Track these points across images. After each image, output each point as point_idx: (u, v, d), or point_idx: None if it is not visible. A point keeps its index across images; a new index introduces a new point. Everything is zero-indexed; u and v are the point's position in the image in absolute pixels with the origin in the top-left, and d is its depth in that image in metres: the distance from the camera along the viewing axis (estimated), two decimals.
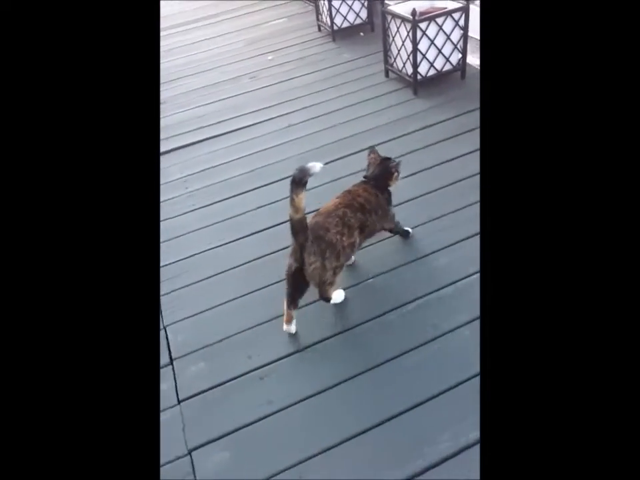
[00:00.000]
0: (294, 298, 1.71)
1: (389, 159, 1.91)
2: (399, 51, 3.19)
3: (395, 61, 3.30)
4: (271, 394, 1.63)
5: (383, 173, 1.87)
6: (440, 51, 3.10)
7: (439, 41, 3.05)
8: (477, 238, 2.05)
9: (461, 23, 3.04)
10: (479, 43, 3.40)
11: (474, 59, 3.48)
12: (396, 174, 1.88)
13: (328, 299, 1.79)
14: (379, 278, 1.97)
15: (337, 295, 1.82)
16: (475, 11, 3.25)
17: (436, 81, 3.23)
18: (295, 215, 1.53)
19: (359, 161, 2.32)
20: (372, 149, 1.95)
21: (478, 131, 2.70)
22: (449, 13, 2.97)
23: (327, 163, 2.63)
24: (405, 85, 3.28)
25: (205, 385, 1.69)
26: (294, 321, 1.77)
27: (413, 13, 2.86)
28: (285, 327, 1.78)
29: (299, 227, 1.56)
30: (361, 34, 4.22)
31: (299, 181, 1.48)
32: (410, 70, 3.12)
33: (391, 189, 1.92)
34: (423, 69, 3.13)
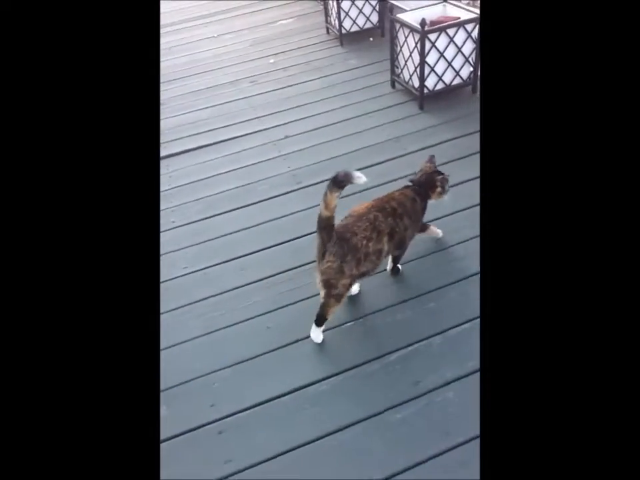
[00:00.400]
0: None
1: (440, 172, 1.88)
2: (406, 61, 2.99)
3: (401, 72, 3.10)
4: (231, 452, 1.47)
5: (427, 182, 1.84)
6: (450, 64, 2.89)
7: (450, 53, 2.85)
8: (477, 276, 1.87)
9: (474, 34, 2.83)
10: None
11: None
12: (439, 189, 1.84)
13: (322, 320, 1.69)
14: (366, 319, 1.80)
15: (316, 334, 1.73)
16: None
17: (444, 95, 3.02)
18: (324, 211, 1.52)
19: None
20: (431, 157, 1.93)
21: None
22: (461, 24, 2.76)
23: (316, 184, 2.46)
24: (411, 97, 3.08)
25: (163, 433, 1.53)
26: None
27: (422, 23, 2.66)
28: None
29: (324, 224, 1.56)
30: (371, 39, 4.02)
31: (339, 183, 1.46)
32: (417, 83, 2.92)
33: (432, 202, 1.88)
34: (430, 82, 2.93)
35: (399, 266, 1.94)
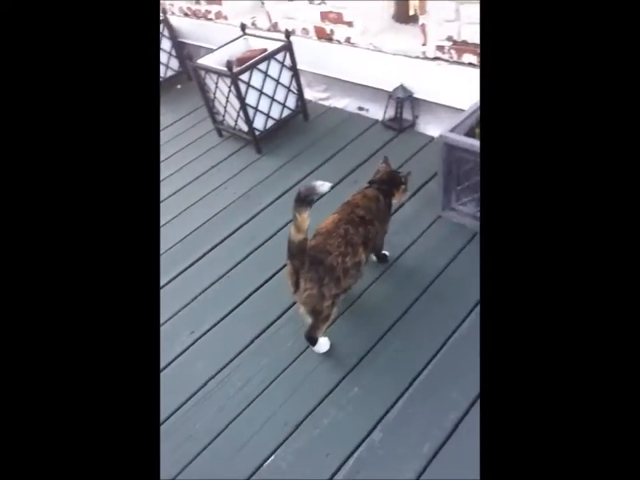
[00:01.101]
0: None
1: (398, 172, 1.81)
2: (225, 107, 2.66)
3: (224, 118, 2.77)
4: None
5: (390, 180, 1.75)
6: (273, 99, 2.64)
7: (269, 88, 2.59)
8: None
9: (287, 62, 2.62)
10: (311, 74, 3.02)
11: (314, 93, 3.10)
12: (403, 187, 1.77)
13: (314, 340, 1.62)
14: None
15: (323, 344, 1.65)
16: (299, 42, 2.86)
17: (279, 131, 2.77)
18: (296, 235, 1.40)
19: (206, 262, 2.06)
20: (385, 158, 1.83)
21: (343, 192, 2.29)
22: (270, 56, 2.52)
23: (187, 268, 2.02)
24: (245, 142, 2.77)
25: None
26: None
27: (229, 65, 2.35)
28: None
29: (296, 250, 1.44)
30: (178, 86, 3.63)
31: (304, 199, 1.34)
32: (245, 127, 2.62)
33: (395, 202, 1.77)
34: (259, 122, 2.65)
35: (385, 252, 1.91)
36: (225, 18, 3.43)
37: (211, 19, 3.58)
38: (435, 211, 2.05)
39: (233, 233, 2.24)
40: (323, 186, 1.36)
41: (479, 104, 1.85)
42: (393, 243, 1.92)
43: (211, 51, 2.75)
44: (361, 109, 2.87)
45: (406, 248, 1.96)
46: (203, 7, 3.56)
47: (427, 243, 1.97)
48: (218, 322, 1.85)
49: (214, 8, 3.47)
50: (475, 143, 1.65)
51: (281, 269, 1.98)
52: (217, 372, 1.68)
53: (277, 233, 2.16)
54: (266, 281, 1.97)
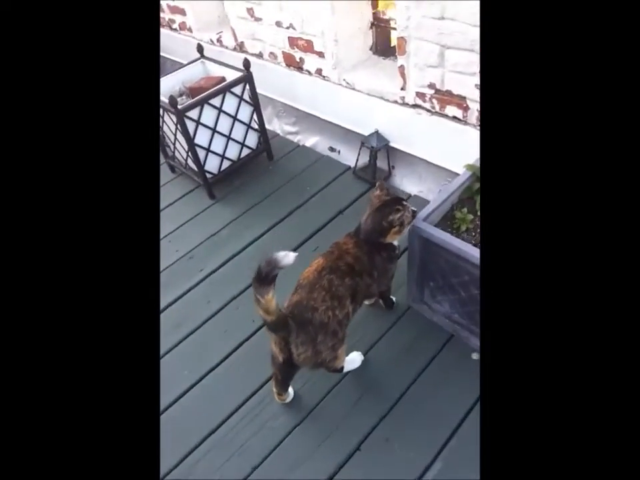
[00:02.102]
0: (285, 384, 1.48)
1: (398, 200, 1.40)
2: (173, 143, 2.30)
3: (174, 154, 2.40)
4: None
5: (375, 225, 1.38)
6: (229, 137, 2.27)
7: (224, 125, 2.23)
8: None
9: (246, 96, 2.25)
10: (281, 104, 2.66)
11: (282, 125, 2.74)
12: (397, 228, 1.36)
13: (339, 370, 1.50)
14: None
15: (351, 361, 1.54)
16: (267, 67, 2.50)
17: (237, 173, 2.41)
18: (266, 317, 1.23)
19: None
20: (380, 182, 1.48)
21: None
22: (225, 89, 2.15)
23: None
24: (198, 183, 2.41)
25: None
26: (290, 391, 1.52)
27: (172, 101, 1.98)
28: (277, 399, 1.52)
29: (275, 326, 1.27)
30: None
31: (265, 277, 1.15)
32: (195, 167, 2.25)
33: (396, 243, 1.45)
34: (212, 164, 2.28)
35: (392, 298, 1.70)
36: (190, 30, 3.05)
37: (175, 29, 3.19)
38: (405, 300, 1.71)
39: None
40: (287, 257, 1.15)
41: (457, 183, 1.50)
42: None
43: (174, 65, 2.37)
44: (332, 149, 2.51)
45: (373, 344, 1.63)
46: (167, 15, 3.17)
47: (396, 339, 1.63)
48: None
49: (177, 18, 3.08)
50: (460, 245, 1.30)
51: (217, 364, 1.65)
52: None
53: (210, 319, 1.80)
54: (198, 382, 1.62)
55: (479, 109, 1.68)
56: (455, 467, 1.32)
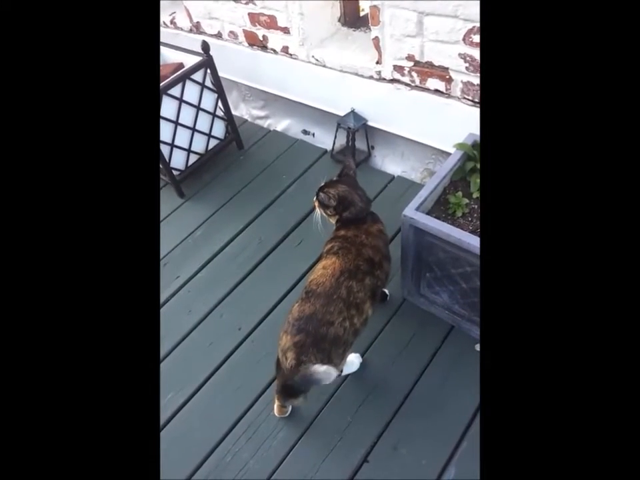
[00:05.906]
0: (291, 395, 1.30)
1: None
2: None
3: None
4: None
5: (363, 197, 1.37)
6: (194, 129, 2.09)
7: (187, 116, 2.04)
8: None
9: (208, 82, 2.06)
10: (246, 87, 2.47)
11: (250, 110, 2.56)
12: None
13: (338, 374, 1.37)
14: None
15: (349, 364, 1.42)
16: (228, 48, 2.30)
17: (207, 167, 2.24)
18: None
19: None
20: (348, 162, 1.46)
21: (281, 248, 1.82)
22: (185, 76, 1.96)
23: None
24: (165, 182, 2.23)
25: None
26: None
27: None
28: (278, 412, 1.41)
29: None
30: None
31: (296, 392, 1.13)
32: (160, 164, 2.07)
33: None
34: (178, 160, 2.11)
35: (385, 291, 1.59)
36: None
37: None
38: (399, 292, 1.60)
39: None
40: (327, 375, 1.06)
41: (448, 165, 1.38)
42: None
43: None
44: (306, 132, 2.35)
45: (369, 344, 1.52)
46: None
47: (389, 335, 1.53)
48: None
49: None
50: (460, 236, 1.19)
51: (204, 382, 1.52)
52: None
53: (192, 331, 1.67)
54: (184, 405, 1.49)
55: (479, 85, 1.55)
56: (468, 472, 1.24)
